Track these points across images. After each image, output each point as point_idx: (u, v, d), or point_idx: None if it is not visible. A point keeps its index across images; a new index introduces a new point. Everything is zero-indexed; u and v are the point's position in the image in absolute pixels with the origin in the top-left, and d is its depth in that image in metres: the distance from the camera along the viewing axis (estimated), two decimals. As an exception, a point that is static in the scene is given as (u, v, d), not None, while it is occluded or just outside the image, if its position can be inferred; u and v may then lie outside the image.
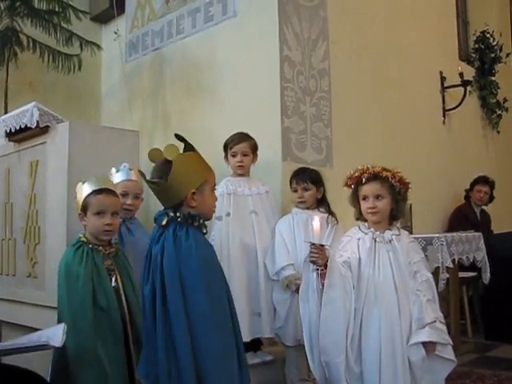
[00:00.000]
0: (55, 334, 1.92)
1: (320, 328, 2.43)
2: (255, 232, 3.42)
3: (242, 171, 3.56)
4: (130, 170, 3.03)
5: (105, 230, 2.52)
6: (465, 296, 4.93)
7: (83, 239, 2.53)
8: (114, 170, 3.03)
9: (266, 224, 3.48)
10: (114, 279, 2.51)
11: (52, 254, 3.32)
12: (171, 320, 1.99)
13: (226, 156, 3.60)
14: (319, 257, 2.40)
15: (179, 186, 2.09)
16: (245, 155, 3.54)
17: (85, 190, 2.60)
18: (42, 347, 1.94)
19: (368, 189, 2.56)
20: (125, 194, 2.98)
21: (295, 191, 3.45)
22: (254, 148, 3.58)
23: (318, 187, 3.43)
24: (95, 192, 2.56)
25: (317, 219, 2.45)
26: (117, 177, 3.01)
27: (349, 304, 2.45)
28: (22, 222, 3.69)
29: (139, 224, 3.15)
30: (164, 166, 2.10)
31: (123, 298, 2.48)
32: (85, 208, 2.57)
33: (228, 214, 3.41)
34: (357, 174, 2.59)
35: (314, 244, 2.42)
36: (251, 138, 3.59)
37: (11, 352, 1.99)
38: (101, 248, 2.53)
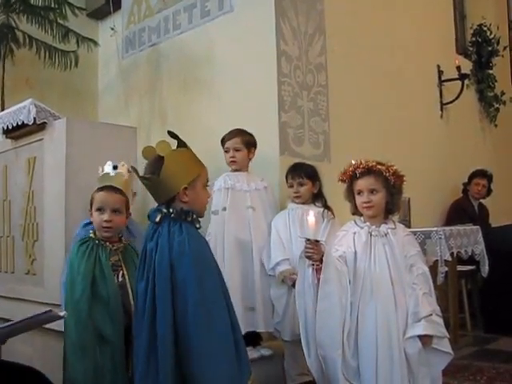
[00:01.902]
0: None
1: (316, 323, 2.44)
2: (251, 227, 3.42)
3: (236, 166, 3.56)
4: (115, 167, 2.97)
5: (103, 227, 2.54)
6: (464, 289, 4.93)
7: (91, 235, 2.58)
8: (100, 168, 2.95)
9: (263, 220, 3.48)
10: (120, 274, 2.54)
11: (50, 250, 3.33)
12: (157, 317, 2.00)
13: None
14: (314, 252, 2.40)
15: (171, 182, 2.11)
16: (237, 150, 3.53)
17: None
18: (46, 316, 1.94)
19: (362, 183, 2.56)
20: None
21: (291, 186, 3.45)
22: (248, 143, 3.57)
23: (314, 182, 3.43)
24: (99, 189, 2.62)
25: (311, 214, 2.44)
26: None
27: (345, 298, 2.45)
28: (20, 219, 3.69)
29: (136, 224, 3.14)
30: (156, 162, 2.11)
31: (129, 292, 2.48)
32: (91, 205, 2.63)
33: (224, 209, 3.41)
34: (351, 169, 2.59)
35: (309, 239, 2.42)
36: (246, 133, 3.58)
37: (17, 328, 1.97)
38: (107, 244, 2.55)
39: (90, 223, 2.84)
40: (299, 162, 3.60)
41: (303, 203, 3.43)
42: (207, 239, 3.24)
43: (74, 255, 2.49)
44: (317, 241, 2.43)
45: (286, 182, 3.50)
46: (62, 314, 1.95)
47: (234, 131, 3.58)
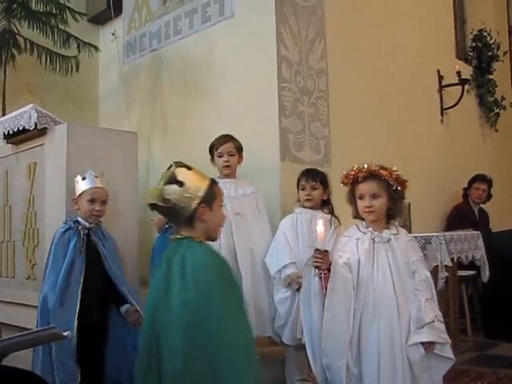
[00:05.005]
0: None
1: (322, 331, 2.42)
2: (233, 233, 3.40)
3: (229, 171, 3.55)
4: (96, 177, 3.03)
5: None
6: (464, 294, 4.93)
7: None
8: (79, 177, 3.03)
9: (247, 225, 3.46)
10: None
11: (51, 255, 3.32)
12: None
13: (212, 159, 3.59)
14: (323, 262, 2.39)
15: None
16: (231, 155, 3.54)
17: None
18: (49, 332, 1.95)
19: (364, 188, 2.54)
20: (93, 201, 2.99)
21: (303, 189, 3.45)
22: (239, 149, 3.58)
23: (325, 188, 3.45)
24: None
25: (321, 224, 2.40)
26: (84, 184, 3.01)
27: (349, 306, 2.44)
28: (21, 225, 3.70)
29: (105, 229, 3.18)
30: None
31: None
32: None
33: None
34: (353, 173, 2.56)
35: (318, 249, 2.40)
36: (236, 139, 3.60)
37: (19, 344, 1.98)
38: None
39: (70, 228, 2.96)
40: (313, 168, 3.63)
41: (311, 208, 3.43)
42: None
43: None
44: (325, 251, 2.41)
45: (297, 185, 3.49)
46: (66, 333, 1.94)
47: (226, 136, 3.59)
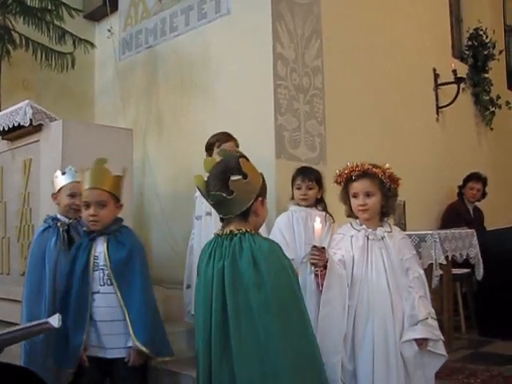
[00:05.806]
0: (52, 317, 1.94)
1: (318, 328, 2.43)
2: None
3: None
4: (76, 172, 2.99)
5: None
6: (458, 292, 4.93)
7: None
8: (59, 172, 3.00)
9: None
10: None
11: (46, 252, 3.32)
12: None
13: (210, 155, 3.55)
14: (320, 259, 2.40)
15: None
16: None
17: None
18: (42, 327, 1.95)
19: (358, 186, 2.55)
20: (73, 195, 2.95)
21: (298, 188, 3.46)
22: (238, 147, 3.58)
23: (320, 187, 3.46)
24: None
25: (318, 221, 2.40)
26: (63, 179, 2.98)
27: (345, 303, 2.45)
28: (16, 221, 3.70)
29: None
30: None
31: None
32: None
33: (207, 214, 3.40)
34: (346, 172, 2.57)
35: (315, 246, 2.41)
36: (234, 137, 3.60)
37: (13, 339, 1.98)
38: None
39: (49, 227, 2.92)
40: (308, 166, 3.63)
41: (307, 206, 3.45)
42: (191, 242, 3.51)
43: None
44: (323, 247, 2.42)
45: (292, 183, 3.50)
46: (55, 325, 1.95)
47: (225, 134, 3.59)
